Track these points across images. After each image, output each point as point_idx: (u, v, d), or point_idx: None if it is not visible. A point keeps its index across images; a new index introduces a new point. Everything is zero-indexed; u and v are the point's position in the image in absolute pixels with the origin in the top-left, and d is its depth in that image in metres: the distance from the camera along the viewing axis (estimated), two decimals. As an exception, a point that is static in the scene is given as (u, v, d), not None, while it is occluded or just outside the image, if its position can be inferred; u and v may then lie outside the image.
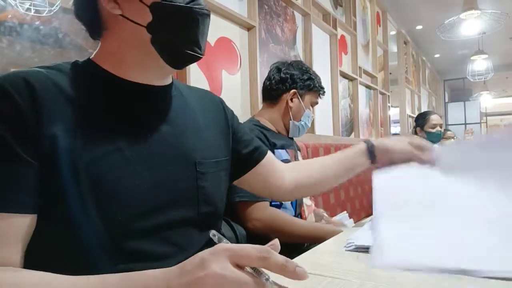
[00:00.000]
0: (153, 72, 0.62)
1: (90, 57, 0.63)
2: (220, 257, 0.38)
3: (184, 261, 0.41)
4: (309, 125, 1.43)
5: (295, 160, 1.40)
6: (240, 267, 0.39)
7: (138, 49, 0.59)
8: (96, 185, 0.52)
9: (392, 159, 0.82)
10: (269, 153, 0.84)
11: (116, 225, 0.53)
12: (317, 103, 1.46)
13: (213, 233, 0.46)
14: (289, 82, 1.37)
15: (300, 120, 1.39)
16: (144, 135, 0.60)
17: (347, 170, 0.86)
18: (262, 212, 1.13)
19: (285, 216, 1.17)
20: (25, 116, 0.49)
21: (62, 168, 0.51)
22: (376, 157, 0.83)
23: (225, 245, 0.40)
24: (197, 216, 0.63)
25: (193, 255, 0.41)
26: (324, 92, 1.47)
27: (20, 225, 0.49)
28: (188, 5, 0.58)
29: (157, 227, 0.57)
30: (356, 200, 2.71)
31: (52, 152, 0.50)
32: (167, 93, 0.67)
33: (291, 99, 1.37)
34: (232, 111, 0.82)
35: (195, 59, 0.62)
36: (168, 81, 0.67)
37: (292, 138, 1.48)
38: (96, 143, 0.54)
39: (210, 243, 0.68)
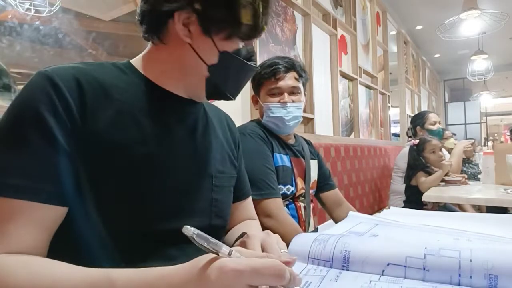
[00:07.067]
0: (189, 92, 0.66)
1: (129, 60, 0.65)
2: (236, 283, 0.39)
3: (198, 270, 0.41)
4: (278, 114, 1.22)
5: (305, 171, 1.31)
6: None
7: (190, 75, 0.63)
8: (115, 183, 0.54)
9: None
10: (250, 199, 0.84)
11: (122, 225, 0.54)
12: (279, 87, 1.22)
13: (193, 231, 0.41)
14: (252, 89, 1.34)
15: (263, 118, 1.27)
16: (170, 142, 0.62)
17: None
18: (271, 209, 1.10)
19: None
20: (73, 111, 0.52)
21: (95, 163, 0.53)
22: None
23: (233, 265, 0.39)
24: (208, 227, 0.64)
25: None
26: (276, 68, 1.22)
27: (49, 215, 0.49)
28: (248, 62, 0.65)
29: (166, 232, 0.58)
30: (364, 197, 2.78)
31: (90, 148, 0.52)
32: (196, 107, 0.70)
33: (256, 104, 1.33)
34: (240, 148, 0.82)
35: (228, 100, 0.68)
36: (200, 99, 0.70)
37: (307, 145, 1.41)
38: (125, 143, 0.56)
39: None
